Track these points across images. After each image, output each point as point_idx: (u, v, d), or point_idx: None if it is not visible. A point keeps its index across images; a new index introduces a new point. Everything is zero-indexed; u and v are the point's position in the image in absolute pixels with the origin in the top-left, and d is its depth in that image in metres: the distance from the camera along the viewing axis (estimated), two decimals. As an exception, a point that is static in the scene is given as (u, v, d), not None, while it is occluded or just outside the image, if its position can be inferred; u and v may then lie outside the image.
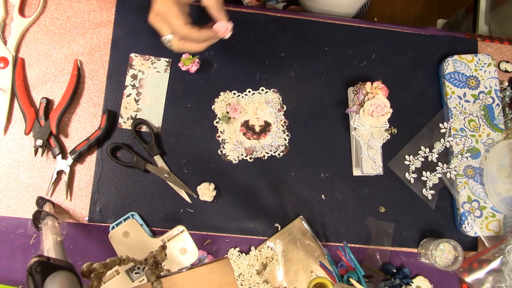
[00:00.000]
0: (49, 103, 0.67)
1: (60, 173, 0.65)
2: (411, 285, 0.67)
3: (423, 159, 0.72)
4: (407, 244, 0.70)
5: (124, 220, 0.65)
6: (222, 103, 0.70)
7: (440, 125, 0.72)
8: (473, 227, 0.68)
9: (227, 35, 0.57)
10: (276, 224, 0.68)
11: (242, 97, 0.70)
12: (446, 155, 0.72)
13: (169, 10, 0.53)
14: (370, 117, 0.64)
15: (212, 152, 0.69)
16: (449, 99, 0.72)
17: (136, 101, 0.68)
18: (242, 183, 0.69)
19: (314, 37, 0.73)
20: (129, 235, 0.64)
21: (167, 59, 0.70)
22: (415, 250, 0.70)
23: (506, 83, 0.74)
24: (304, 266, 0.67)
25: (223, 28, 0.56)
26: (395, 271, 0.69)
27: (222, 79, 0.70)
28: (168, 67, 0.70)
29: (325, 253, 0.66)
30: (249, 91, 0.71)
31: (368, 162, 0.67)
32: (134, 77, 0.69)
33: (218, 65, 0.71)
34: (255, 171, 0.69)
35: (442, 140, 0.72)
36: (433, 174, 0.71)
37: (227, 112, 0.69)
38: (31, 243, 0.64)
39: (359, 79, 0.71)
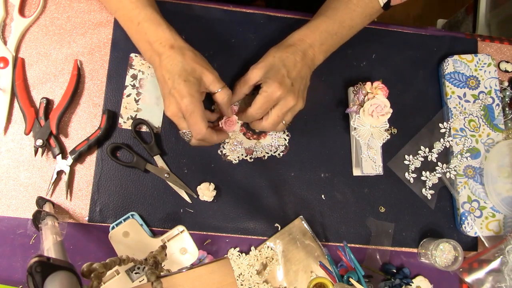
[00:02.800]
0: (49, 103, 0.67)
1: (60, 173, 0.65)
2: (411, 285, 0.67)
3: (422, 159, 0.72)
4: (407, 244, 0.70)
5: (124, 220, 0.65)
6: (222, 103, 0.70)
7: (440, 125, 0.72)
8: (473, 227, 0.68)
9: (234, 129, 0.65)
10: (276, 224, 0.68)
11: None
12: (446, 155, 0.72)
13: (195, 110, 0.55)
14: (370, 117, 0.64)
15: (212, 152, 0.69)
16: (449, 99, 0.72)
17: (136, 101, 0.68)
18: (242, 183, 0.69)
19: (314, 37, 0.73)
20: (129, 235, 0.64)
21: (167, 59, 0.70)
22: (415, 250, 0.70)
23: (506, 83, 0.74)
24: (304, 266, 0.68)
25: (231, 124, 0.64)
26: (395, 271, 0.69)
27: (222, 79, 0.70)
28: (168, 67, 0.69)
29: (325, 253, 0.66)
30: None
31: (368, 162, 0.67)
32: (134, 77, 0.69)
33: (218, 65, 0.71)
34: (255, 171, 0.69)
35: (442, 140, 0.72)
36: (432, 174, 0.71)
37: None
38: (31, 243, 0.64)
39: (359, 79, 0.71)
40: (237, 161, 0.69)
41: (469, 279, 0.67)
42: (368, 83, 0.65)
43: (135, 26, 0.58)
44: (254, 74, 0.61)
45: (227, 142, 0.69)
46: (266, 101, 0.59)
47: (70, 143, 0.67)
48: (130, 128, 0.67)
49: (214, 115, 0.66)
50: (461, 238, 0.70)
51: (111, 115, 0.67)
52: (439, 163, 0.72)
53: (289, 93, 0.59)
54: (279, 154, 0.70)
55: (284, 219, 0.69)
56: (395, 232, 0.70)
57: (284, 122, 0.63)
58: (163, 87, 0.57)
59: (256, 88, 0.63)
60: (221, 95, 0.59)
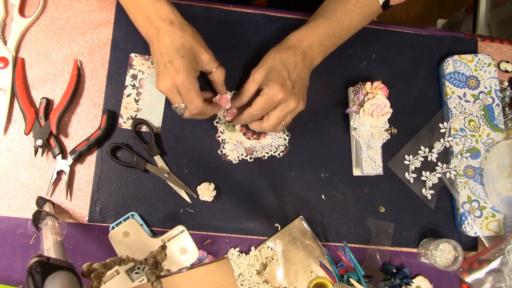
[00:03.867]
0: (49, 103, 0.67)
1: (60, 173, 0.65)
2: (411, 285, 0.67)
3: (422, 159, 0.72)
4: (407, 244, 0.70)
5: (124, 220, 0.65)
6: (222, 103, 0.70)
7: (440, 125, 0.72)
8: (473, 227, 0.68)
9: (228, 106, 0.65)
10: (276, 224, 0.68)
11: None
12: (446, 155, 0.72)
13: (192, 87, 0.56)
14: (370, 117, 0.64)
15: (212, 152, 0.69)
16: (449, 99, 0.72)
17: (136, 101, 0.68)
18: (242, 183, 0.69)
19: (314, 37, 0.73)
20: (129, 235, 0.64)
21: (167, 59, 0.70)
22: (415, 250, 0.70)
23: (506, 83, 0.74)
24: (304, 266, 0.68)
25: (226, 101, 0.64)
26: (395, 271, 0.69)
27: (222, 79, 0.70)
28: (168, 67, 0.69)
29: (325, 253, 0.66)
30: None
31: (368, 162, 0.67)
32: (134, 77, 0.69)
33: (218, 65, 0.71)
34: (255, 171, 0.69)
35: (442, 140, 0.72)
36: (432, 174, 0.71)
37: (229, 122, 0.69)
38: (31, 243, 0.64)
39: (359, 79, 0.71)
40: (237, 161, 0.69)
41: (469, 279, 0.67)
42: (368, 83, 0.65)
43: (134, 1, 0.57)
44: (257, 78, 0.61)
45: (227, 142, 0.69)
46: (267, 103, 0.59)
47: (70, 143, 0.67)
48: (130, 128, 0.67)
49: (205, 93, 0.65)
50: (461, 238, 0.70)
51: (111, 115, 0.67)
52: (439, 163, 0.72)
53: (290, 96, 0.59)
54: (279, 154, 0.70)
55: (284, 219, 0.69)
56: (395, 232, 0.70)
57: (283, 123, 0.63)
58: (159, 62, 0.56)
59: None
60: (217, 73, 0.61)
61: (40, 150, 0.65)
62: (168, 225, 0.66)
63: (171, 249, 0.64)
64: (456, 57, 0.72)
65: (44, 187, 0.65)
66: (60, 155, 0.65)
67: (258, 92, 0.62)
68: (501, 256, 0.66)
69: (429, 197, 0.71)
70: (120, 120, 0.68)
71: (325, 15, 0.64)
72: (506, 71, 0.76)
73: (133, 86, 0.69)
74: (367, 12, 0.64)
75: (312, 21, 0.64)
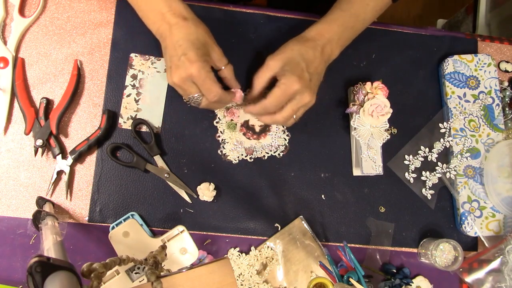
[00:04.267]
0: (49, 103, 0.67)
1: (60, 173, 0.65)
2: (411, 285, 0.67)
3: (422, 159, 0.72)
4: (407, 244, 0.70)
5: (124, 220, 0.65)
6: (222, 103, 0.70)
7: (440, 125, 0.72)
8: (473, 227, 0.68)
9: (241, 101, 0.66)
10: (276, 224, 0.68)
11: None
12: (446, 155, 0.72)
13: (208, 75, 0.56)
14: (370, 117, 0.64)
15: (212, 152, 0.69)
16: (449, 99, 0.72)
17: (136, 101, 0.68)
18: (242, 183, 0.69)
19: (314, 37, 0.73)
20: (129, 235, 0.64)
21: (167, 59, 0.70)
22: (415, 250, 0.70)
23: (506, 83, 0.74)
24: (304, 266, 0.68)
25: (240, 96, 0.65)
26: (395, 271, 0.69)
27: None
28: (168, 67, 0.70)
29: (325, 253, 0.66)
30: (249, 91, 0.71)
31: (368, 162, 0.67)
32: (134, 77, 0.69)
33: (218, 65, 0.71)
34: (255, 171, 0.69)
35: (442, 140, 0.72)
36: (432, 174, 0.71)
37: (231, 120, 0.69)
38: (31, 243, 0.64)
39: (359, 79, 0.71)
40: (237, 161, 0.69)
41: (469, 279, 0.67)
42: (368, 83, 0.65)
43: None
44: (272, 64, 0.59)
45: (227, 142, 0.69)
46: (283, 94, 0.58)
47: (70, 143, 0.67)
48: (130, 128, 0.67)
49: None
50: (461, 238, 0.70)
51: (111, 115, 0.67)
52: (439, 163, 0.72)
53: (306, 89, 0.58)
54: (279, 154, 0.70)
55: (284, 219, 0.69)
56: (395, 232, 0.70)
57: (295, 117, 0.62)
58: (172, 55, 0.56)
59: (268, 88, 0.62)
60: (228, 69, 0.62)
61: (40, 150, 0.65)
62: (168, 225, 0.66)
63: (171, 249, 0.64)
64: (456, 57, 0.72)
65: (44, 187, 0.65)
66: (60, 155, 0.65)
67: (269, 87, 0.60)
68: (501, 256, 0.66)
69: (429, 197, 0.71)
70: (120, 120, 0.68)
71: (341, 7, 0.64)
72: (506, 71, 0.76)
73: (133, 86, 0.69)
74: (379, 5, 0.65)
75: (329, 15, 0.64)
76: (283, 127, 0.70)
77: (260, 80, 0.61)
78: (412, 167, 0.71)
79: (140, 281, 0.63)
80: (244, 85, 0.71)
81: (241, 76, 0.70)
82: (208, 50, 0.57)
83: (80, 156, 0.66)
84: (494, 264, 0.66)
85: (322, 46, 0.61)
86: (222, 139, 0.69)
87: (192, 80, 0.56)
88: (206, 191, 0.66)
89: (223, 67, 0.61)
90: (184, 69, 0.55)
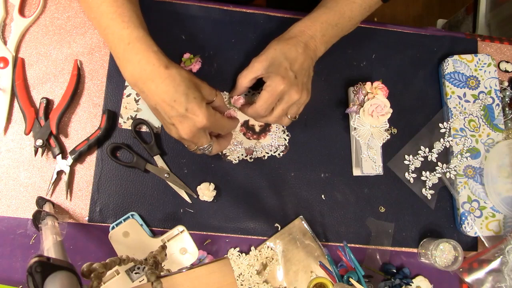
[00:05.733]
0: (49, 103, 0.67)
1: (60, 173, 0.65)
2: (411, 285, 0.67)
3: (422, 159, 0.72)
4: (407, 244, 0.70)
5: (124, 220, 0.65)
6: (222, 103, 0.70)
7: (440, 125, 0.72)
8: (473, 227, 0.68)
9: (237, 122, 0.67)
10: (276, 224, 0.68)
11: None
12: (446, 155, 0.72)
13: (216, 115, 0.57)
14: (370, 117, 0.64)
15: (212, 152, 0.69)
16: (449, 99, 0.72)
17: (136, 101, 0.68)
18: (242, 183, 0.69)
19: (314, 37, 0.73)
20: (129, 235, 0.64)
21: (167, 59, 0.70)
22: (415, 250, 0.70)
23: (506, 83, 0.74)
24: (304, 266, 0.68)
25: (235, 118, 0.66)
26: (395, 271, 0.69)
27: (222, 79, 0.70)
28: (168, 67, 0.69)
29: (325, 253, 0.66)
30: (249, 91, 0.71)
31: (368, 162, 0.67)
32: (134, 77, 0.69)
33: (218, 65, 0.71)
34: (255, 171, 0.69)
35: (442, 140, 0.72)
36: (432, 174, 0.71)
37: None
38: (31, 243, 0.64)
39: (359, 79, 0.71)
40: (237, 161, 0.69)
41: (469, 279, 0.67)
42: (368, 83, 0.65)
43: (124, 45, 0.54)
44: (256, 67, 0.60)
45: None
46: (270, 96, 0.59)
47: (70, 143, 0.67)
48: (130, 128, 0.67)
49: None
50: (461, 238, 0.70)
51: (111, 115, 0.67)
52: (439, 163, 0.72)
53: (292, 87, 0.59)
54: (279, 154, 0.70)
55: (284, 219, 0.69)
56: (395, 232, 0.70)
57: (289, 116, 0.63)
58: (169, 113, 0.53)
59: (255, 88, 0.63)
60: (219, 99, 0.60)
61: (40, 150, 0.65)
62: (168, 225, 0.66)
63: (171, 249, 0.64)
64: (456, 57, 0.72)
65: (44, 187, 0.65)
66: (60, 155, 0.65)
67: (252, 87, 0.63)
68: (501, 256, 0.66)
69: (429, 197, 0.71)
70: (120, 120, 0.68)
71: (326, 5, 0.64)
72: (506, 71, 0.76)
73: (133, 86, 0.69)
74: (367, 3, 0.64)
75: (314, 12, 0.65)
76: (283, 127, 0.70)
77: (244, 80, 0.62)
78: (412, 167, 0.71)
79: (140, 281, 0.63)
80: (244, 85, 0.71)
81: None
82: (199, 90, 0.55)
83: (80, 156, 0.65)
84: (494, 264, 0.66)
85: (304, 43, 0.61)
86: (222, 139, 0.69)
87: (203, 131, 0.56)
88: (206, 191, 0.66)
89: (214, 99, 0.59)
90: (193, 123, 0.54)
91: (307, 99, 0.62)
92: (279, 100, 0.60)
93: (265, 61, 0.60)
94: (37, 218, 0.58)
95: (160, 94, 0.53)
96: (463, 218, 0.68)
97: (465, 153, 0.70)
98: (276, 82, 0.58)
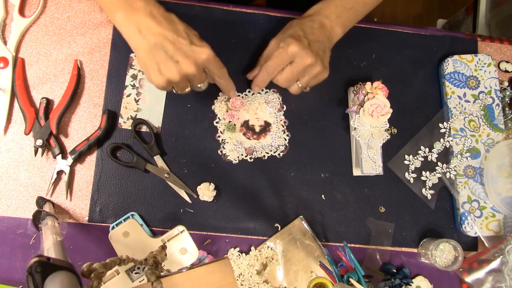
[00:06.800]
0: (49, 103, 0.67)
1: (60, 173, 0.65)
2: (411, 285, 0.67)
3: (422, 159, 0.72)
4: (407, 244, 0.70)
5: (124, 220, 0.65)
6: (222, 103, 0.70)
7: (440, 125, 0.72)
8: (473, 227, 0.68)
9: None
10: (276, 224, 0.68)
11: (242, 97, 0.70)
12: (446, 155, 0.72)
13: (217, 58, 0.58)
14: (370, 117, 0.64)
15: (212, 152, 0.69)
16: (449, 99, 0.72)
17: (136, 101, 0.68)
18: (242, 183, 0.69)
19: (314, 37, 0.73)
20: (129, 235, 0.64)
21: (167, 59, 0.70)
22: (415, 250, 0.70)
23: (506, 83, 0.74)
24: (304, 266, 0.68)
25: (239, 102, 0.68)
26: (395, 271, 0.69)
27: (222, 79, 0.70)
28: (168, 67, 0.69)
29: (325, 253, 0.66)
30: (249, 91, 0.71)
31: (368, 162, 0.67)
32: (134, 77, 0.69)
33: (218, 65, 0.71)
34: (255, 171, 0.69)
35: (442, 140, 0.72)
36: (432, 174, 0.71)
37: (230, 121, 0.69)
38: (31, 243, 0.64)
39: (359, 79, 0.71)
40: (237, 161, 0.69)
41: (469, 279, 0.67)
42: (368, 83, 0.65)
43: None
44: (273, 43, 0.63)
45: (227, 142, 0.69)
46: (281, 56, 0.59)
47: (70, 143, 0.67)
48: (130, 128, 0.67)
49: None
50: (461, 238, 0.70)
51: (111, 115, 0.67)
52: (439, 163, 0.72)
53: (305, 50, 0.58)
54: (279, 154, 0.70)
55: (284, 219, 0.69)
56: (395, 232, 0.70)
57: (300, 84, 0.63)
58: (172, 48, 0.53)
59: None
60: None
61: (40, 150, 0.65)
62: (168, 225, 0.66)
63: (171, 249, 0.64)
64: (456, 57, 0.72)
65: (44, 187, 0.65)
66: (60, 155, 0.65)
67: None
68: (501, 256, 0.66)
69: (429, 197, 0.71)
70: (120, 120, 0.68)
71: None
72: (506, 71, 0.76)
73: (133, 86, 0.69)
74: None
75: None
76: (283, 127, 0.70)
77: (266, 59, 0.63)
78: (412, 167, 0.71)
79: (140, 281, 0.63)
80: (244, 85, 0.71)
81: (241, 76, 0.70)
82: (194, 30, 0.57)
83: (80, 156, 0.66)
84: (494, 264, 0.66)
85: (319, 21, 0.62)
86: (222, 139, 0.69)
87: (205, 65, 0.56)
88: (206, 191, 0.66)
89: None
90: (198, 55, 0.54)
91: (322, 73, 0.62)
92: (291, 63, 0.60)
93: (280, 34, 0.62)
94: (37, 218, 0.58)
95: (162, 31, 0.52)
96: (463, 218, 0.68)
97: (465, 153, 0.70)
98: (289, 43, 0.58)
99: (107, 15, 0.55)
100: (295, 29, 0.61)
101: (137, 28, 0.53)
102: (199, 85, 0.59)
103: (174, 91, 0.60)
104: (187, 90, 0.60)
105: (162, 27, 0.52)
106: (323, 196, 0.70)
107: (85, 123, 0.67)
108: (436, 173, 0.71)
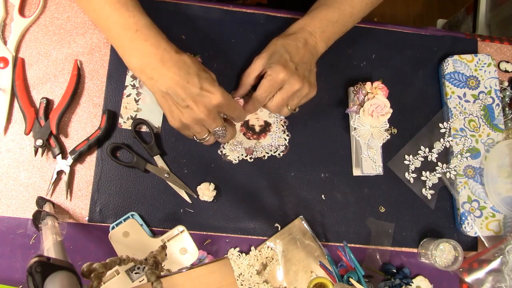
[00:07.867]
0: (49, 103, 0.67)
1: (60, 173, 0.65)
2: (411, 285, 0.67)
3: (422, 159, 0.72)
4: (407, 244, 0.70)
5: (124, 220, 0.65)
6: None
7: (440, 125, 0.72)
8: (473, 227, 0.68)
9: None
10: (276, 224, 0.68)
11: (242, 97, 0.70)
12: (446, 155, 0.72)
13: (230, 96, 0.57)
14: (370, 117, 0.64)
15: (212, 152, 0.69)
16: (449, 99, 0.72)
17: (136, 101, 0.68)
18: (242, 183, 0.69)
19: (314, 37, 0.73)
20: (129, 235, 0.64)
21: (167, 59, 0.70)
22: (415, 250, 0.70)
23: (506, 83, 0.74)
24: (304, 266, 0.68)
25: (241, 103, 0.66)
26: (395, 271, 0.69)
27: (222, 79, 0.70)
28: (168, 67, 0.69)
29: (325, 253, 0.66)
30: (250, 92, 0.71)
31: (368, 162, 0.67)
32: (134, 77, 0.69)
33: (218, 65, 0.71)
34: (255, 171, 0.69)
35: (442, 140, 0.72)
36: (432, 174, 0.71)
37: None
38: (31, 243, 0.64)
39: (359, 79, 0.71)
40: (237, 161, 0.69)
41: (469, 279, 0.67)
42: (368, 83, 0.65)
43: (131, 33, 0.54)
44: (258, 63, 0.62)
45: (227, 142, 0.69)
46: (270, 84, 0.59)
47: (70, 143, 0.67)
48: (130, 128, 0.67)
49: None
50: (461, 238, 0.70)
51: (111, 115, 0.67)
52: (439, 163, 0.72)
53: (293, 76, 0.59)
54: (279, 154, 0.70)
55: (284, 219, 0.69)
56: (395, 232, 0.70)
57: (289, 107, 0.63)
58: (183, 93, 0.53)
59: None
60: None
61: (40, 150, 0.65)
62: (168, 225, 0.66)
63: (171, 249, 0.64)
64: (456, 57, 0.72)
65: (44, 187, 0.65)
66: (60, 155, 0.65)
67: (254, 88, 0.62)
68: (501, 256, 0.66)
69: (429, 197, 0.71)
70: (120, 120, 0.68)
71: (326, 3, 0.64)
72: (506, 71, 0.76)
73: (133, 86, 0.69)
74: None
75: (313, 10, 0.65)
76: (283, 127, 0.70)
77: (248, 78, 0.63)
78: (412, 167, 0.71)
79: (140, 281, 0.63)
80: (244, 85, 0.71)
81: (240, 76, 0.70)
82: (208, 72, 0.57)
83: (80, 156, 0.65)
84: (494, 264, 0.66)
85: (304, 39, 0.62)
86: (222, 139, 0.69)
87: (218, 110, 0.56)
88: (206, 191, 0.66)
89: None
90: (209, 100, 0.54)
91: (309, 93, 0.62)
92: (280, 89, 0.60)
93: (266, 57, 0.61)
94: (37, 218, 0.58)
95: (173, 77, 0.53)
96: (463, 218, 0.68)
97: (465, 153, 0.70)
98: (276, 71, 0.58)
99: (122, 58, 0.57)
100: (281, 52, 0.60)
101: (148, 76, 0.54)
102: (218, 128, 0.58)
103: (196, 139, 0.61)
104: (205, 137, 0.60)
105: (172, 73, 0.53)
106: (323, 196, 0.70)
107: (85, 123, 0.67)
108: (436, 173, 0.71)
